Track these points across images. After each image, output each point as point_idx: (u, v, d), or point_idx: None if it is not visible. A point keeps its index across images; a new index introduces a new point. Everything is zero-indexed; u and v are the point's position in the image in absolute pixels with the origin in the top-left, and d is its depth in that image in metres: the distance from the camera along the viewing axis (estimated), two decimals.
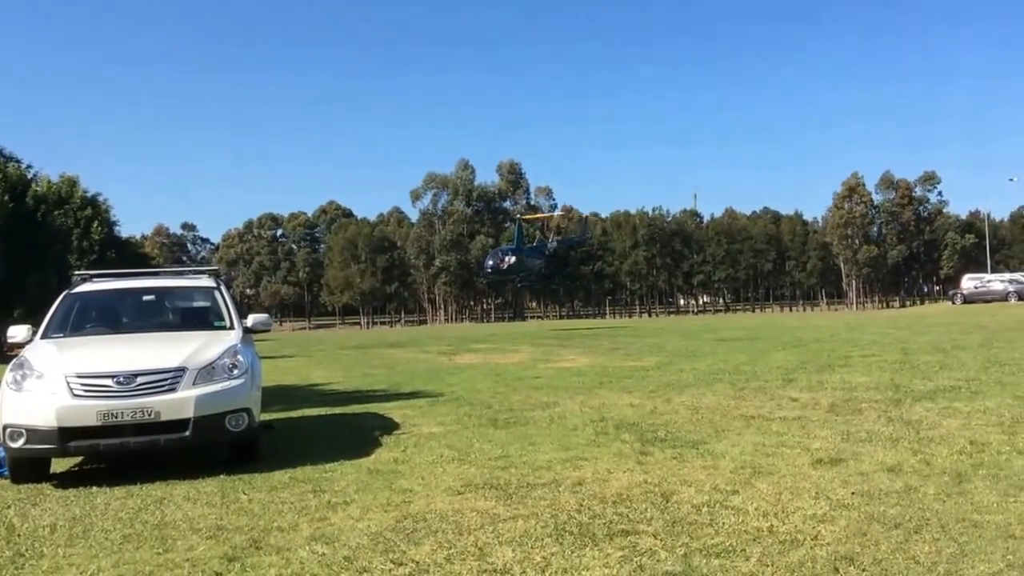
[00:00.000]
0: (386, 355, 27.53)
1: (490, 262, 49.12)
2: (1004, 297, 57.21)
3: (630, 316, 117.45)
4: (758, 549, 5.05)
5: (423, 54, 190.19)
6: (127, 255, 47.89)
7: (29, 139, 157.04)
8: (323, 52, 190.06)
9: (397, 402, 13.13)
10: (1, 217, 40.06)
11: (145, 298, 10.26)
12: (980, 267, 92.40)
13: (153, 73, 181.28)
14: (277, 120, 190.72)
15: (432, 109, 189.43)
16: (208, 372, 8.06)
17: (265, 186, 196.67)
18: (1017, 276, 65.78)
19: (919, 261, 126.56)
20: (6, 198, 41.38)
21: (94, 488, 7.41)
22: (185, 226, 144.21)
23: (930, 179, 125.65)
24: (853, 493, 6.14)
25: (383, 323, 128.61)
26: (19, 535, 6.07)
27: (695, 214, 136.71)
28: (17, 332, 9.23)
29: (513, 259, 48.01)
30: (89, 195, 48.86)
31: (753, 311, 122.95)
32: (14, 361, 8.23)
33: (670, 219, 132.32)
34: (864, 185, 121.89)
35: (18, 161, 46.75)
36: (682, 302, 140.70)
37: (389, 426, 10.52)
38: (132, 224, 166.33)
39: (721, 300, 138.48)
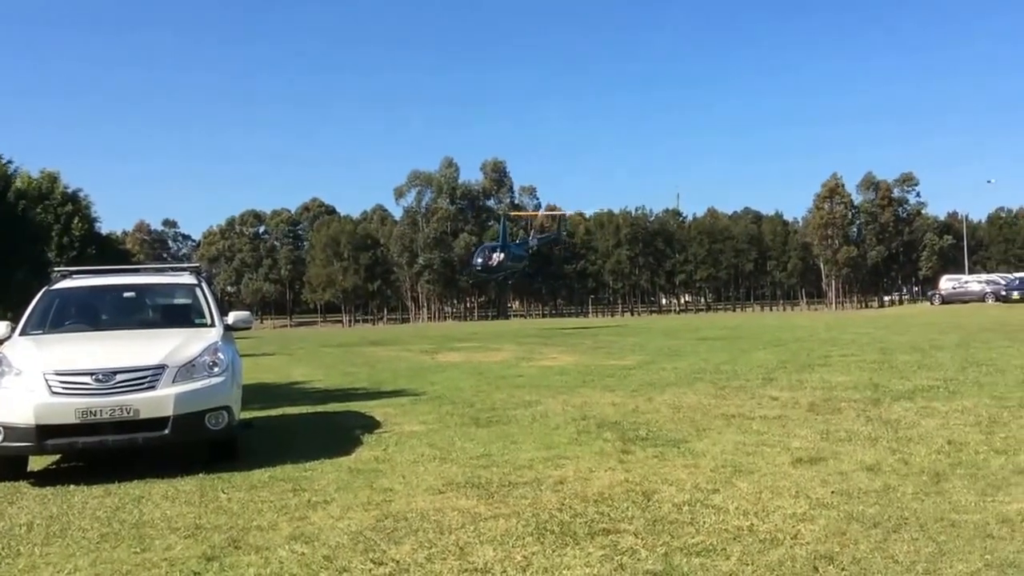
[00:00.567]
0: (368, 353, 27.46)
1: (479, 259, 48.76)
2: (981, 298, 57.71)
3: (613, 315, 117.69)
4: (738, 548, 5.06)
5: (409, 51, 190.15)
6: (107, 251, 47.73)
7: (8, 135, 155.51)
8: (307, 48, 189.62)
9: (378, 400, 13.09)
10: None
11: (125, 295, 10.18)
12: (958, 268, 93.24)
13: (134, 70, 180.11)
14: (260, 117, 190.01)
15: (417, 107, 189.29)
16: (188, 370, 8.01)
17: (248, 183, 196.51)
18: (994, 277, 66.42)
19: (898, 262, 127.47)
20: None
21: (72, 486, 7.35)
22: (166, 223, 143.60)
23: (908, 180, 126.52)
24: (832, 492, 6.16)
25: (365, 321, 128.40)
26: None
27: (677, 214, 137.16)
28: None
29: (502, 256, 47.87)
30: (70, 191, 48.61)
31: (734, 310, 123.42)
32: None
33: (653, 219, 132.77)
34: (844, 186, 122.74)
35: None
36: (664, 301, 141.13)
37: (370, 425, 10.49)
38: (113, 220, 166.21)
39: (703, 299, 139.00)
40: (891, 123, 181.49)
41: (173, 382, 7.84)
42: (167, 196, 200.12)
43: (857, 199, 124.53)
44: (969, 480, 6.38)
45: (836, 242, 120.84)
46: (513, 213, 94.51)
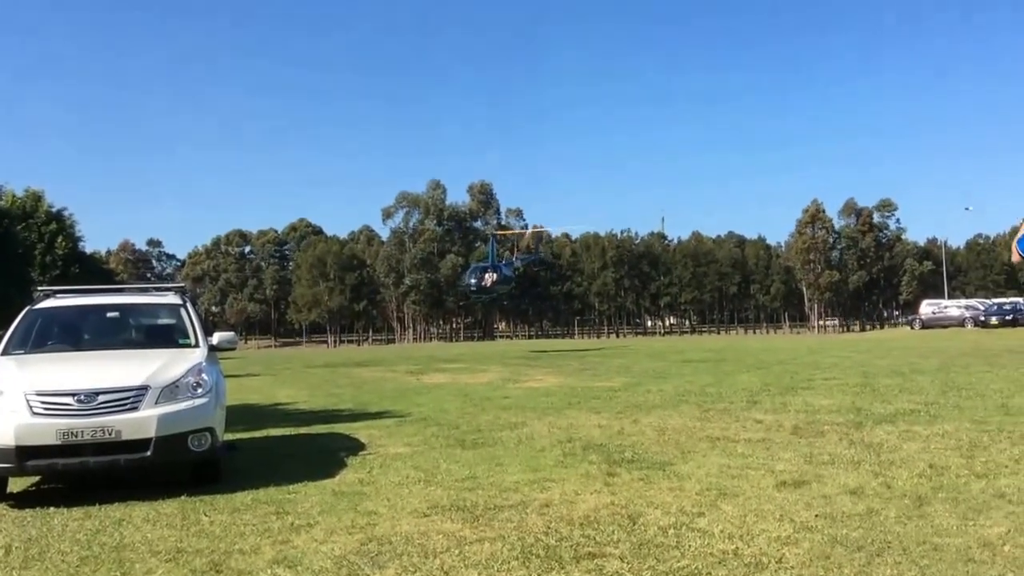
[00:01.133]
0: (353, 374, 27.39)
1: (472, 280, 48.10)
2: (961, 323, 58.22)
3: (598, 336, 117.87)
4: (724, 572, 5.07)
5: (395, 74, 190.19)
6: (91, 271, 47.49)
7: None
8: (294, 71, 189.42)
9: (363, 422, 13.05)
10: None
11: (109, 315, 10.12)
12: (937, 293, 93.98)
13: (119, 87, 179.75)
14: (247, 136, 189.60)
15: (404, 129, 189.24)
16: (171, 391, 7.97)
17: (234, 203, 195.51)
18: (973, 303, 67.05)
19: (879, 286, 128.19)
20: None
21: (51, 508, 7.29)
22: (151, 242, 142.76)
23: (887, 206, 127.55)
24: (816, 516, 6.18)
25: (350, 342, 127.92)
26: None
27: (663, 237, 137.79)
28: None
29: (495, 276, 47.70)
30: (54, 210, 48.44)
31: (718, 333, 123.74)
32: None
33: (638, 241, 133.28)
34: (825, 212, 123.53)
35: None
36: (649, 323, 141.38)
37: (355, 447, 10.45)
38: (97, 239, 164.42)
39: (687, 322, 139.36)
40: (872, 149, 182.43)
41: (156, 403, 7.80)
42: (152, 215, 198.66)
43: (838, 224, 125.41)
44: (951, 504, 6.40)
45: (818, 266, 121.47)
46: (501, 232, 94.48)
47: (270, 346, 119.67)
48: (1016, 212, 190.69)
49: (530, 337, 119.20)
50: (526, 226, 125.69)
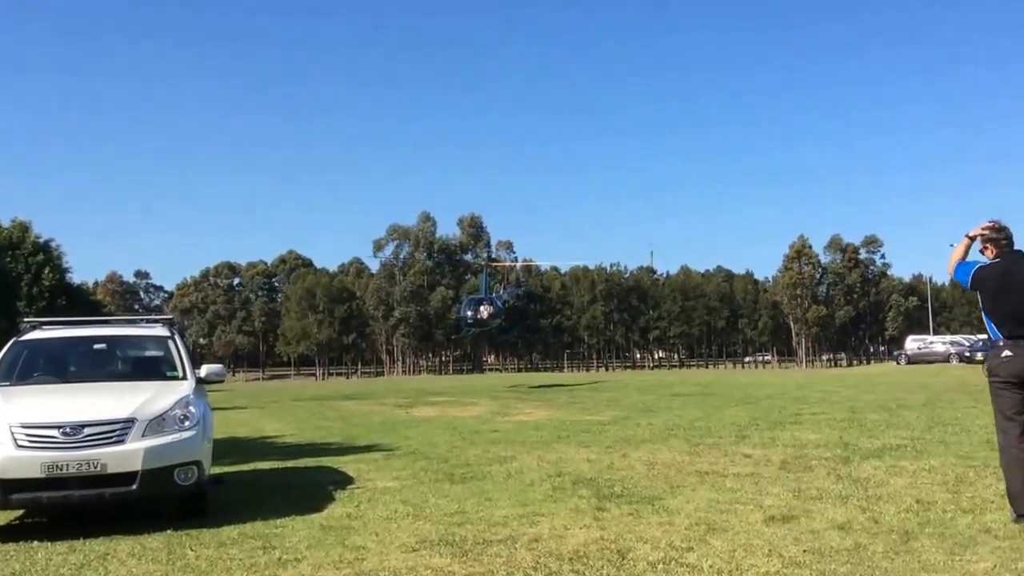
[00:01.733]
0: (341, 407, 27.31)
1: (469, 312, 47.65)
2: (946, 358, 58.45)
3: (587, 370, 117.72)
4: None
5: (385, 104, 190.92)
6: (78, 302, 47.28)
7: None
8: (284, 102, 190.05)
9: (351, 456, 13.00)
10: None
11: (96, 347, 10.08)
12: (923, 329, 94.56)
13: (106, 116, 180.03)
14: (236, 168, 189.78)
15: (394, 161, 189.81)
16: (158, 424, 7.92)
17: (222, 235, 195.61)
18: (958, 338, 67.39)
19: (865, 321, 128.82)
20: None
21: (35, 543, 7.21)
22: (139, 274, 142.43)
23: (873, 242, 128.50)
24: (805, 551, 6.17)
25: (339, 374, 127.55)
26: None
27: (651, 271, 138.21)
28: None
29: (492, 309, 47.47)
30: (41, 241, 48.33)
31: (706, 367, 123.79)
32: None
33: (627, 275, 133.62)
34: (811, 247, 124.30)
35: None
36: (638, 356, 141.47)
37: (343, 480, 10.40)
38: (84, 271, 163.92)
39: (676, 355, 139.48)
40: (859, 186, 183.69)
41: (142, 436, 7.75)
42: (139, 247, 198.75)
43: (824, 260, 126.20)
44: (937, 539, 6.41)
45: (805, 301, 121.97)
46: (494, 263, 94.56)
47: (258, 379, 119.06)
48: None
49: (519, 370, 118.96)
50: (516, 259, 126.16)
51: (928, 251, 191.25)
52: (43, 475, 7.39)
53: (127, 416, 7.79)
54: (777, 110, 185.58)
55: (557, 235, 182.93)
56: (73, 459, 7.44)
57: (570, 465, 11.06)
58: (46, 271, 46.27)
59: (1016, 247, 7.19)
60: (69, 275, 51.61)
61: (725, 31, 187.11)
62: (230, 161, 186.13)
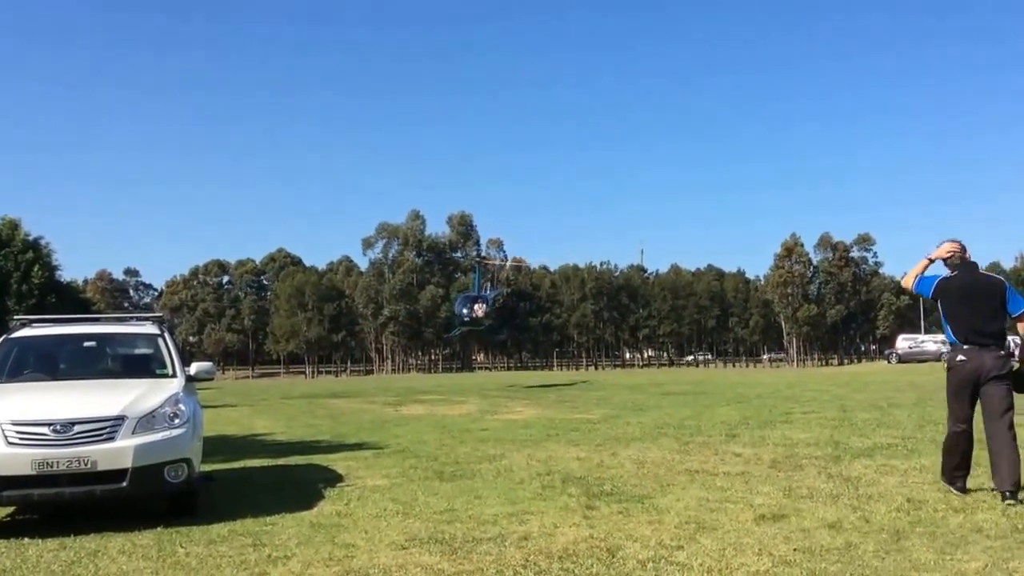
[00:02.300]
0: (331, 405, 27.27)
1: (464, 310, 47.40)
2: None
3: (577, 368, 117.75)
4: None
5: (376, 103, 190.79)
6: (68, 300, 47.09)
7: None
8: (273, 98, 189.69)
9: (341, 454, 12.98)
10: None
11: (86, 344, 10.06)
12: (914, 328, 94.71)
13: (97, 118, 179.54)
14: (225, 166, 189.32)
15: (383, 159, 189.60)
16: (148, 421, 7.90)
17: (212, 232, 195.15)
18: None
19: (856, 320, 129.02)
20: None
21: (26, 539, 7.18)
22: (128, 271, 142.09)
23: (865, 241, 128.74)
24: (795, 549, 6.18)
25: (328, 372, 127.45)
26: None
27: (642, 269, 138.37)
28: None
29: (486, 306, 47.30)
30: (31, 239, 48.13)
31: (697, 366, 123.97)
32: None
33: (618, 273, 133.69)
34: (802, 245, 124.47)
35: None
36: (628, 355, 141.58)
37: (332, 478, 10.39)
38: (74, 269, 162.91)
39: (665, 354, 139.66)
40: (852, 184, 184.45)
41: (132, 433, 7.73)
42: (129, 245, 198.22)
43: (816, 259, 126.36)
44: (928, 538, 6.42)
45: (796, 300, 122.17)
46: (485, 260, 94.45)
47: (248, 376, 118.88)
48: (991, 247, 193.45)
49: (509, 369, 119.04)
50: (506, 257, 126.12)
51: (921, 250, 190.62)
52: (34, 472, 7.38)
53: (117, 414, 7.77)
54: (770, 109, 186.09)
55: (547, 233, 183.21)
56: (64, 456, 7.43)
57: (560, 463, 11.07)
58: (35, 269, 46.06)
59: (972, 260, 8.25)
60: (59, 273, 51.43)
61: (718, 32, 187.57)
62: (220, 160, 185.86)
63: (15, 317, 10.79)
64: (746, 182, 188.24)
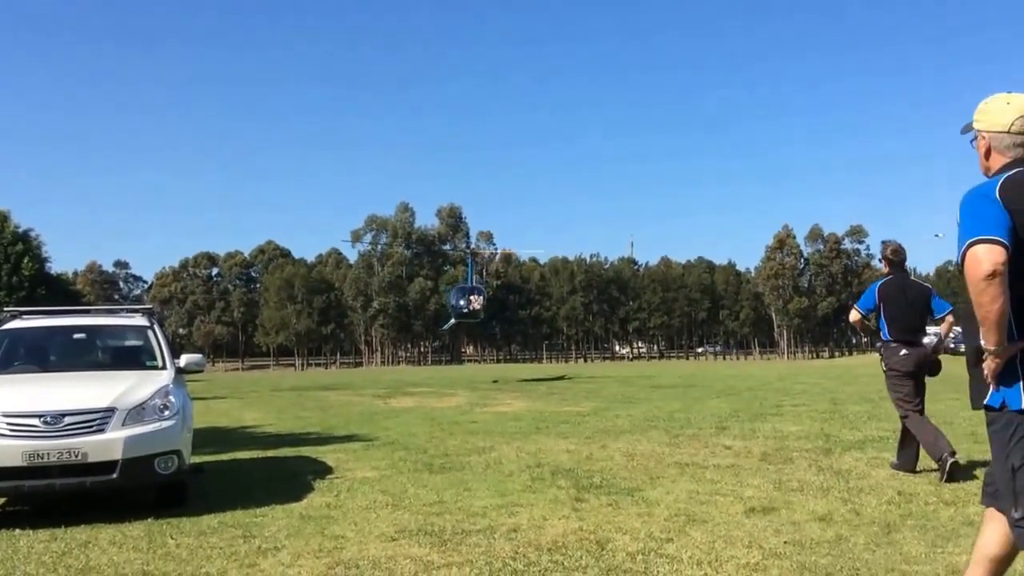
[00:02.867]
0: (320, 398, 27.24)
1: (461, 302, 46.44)
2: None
3: (566, 361, 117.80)
4: None
5: (364, 95, 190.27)
6: (57, 292, 47.01)
7: None
8: (263, 91, 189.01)
9: (331, 446, 12.96)
10: None
11: (76, 336, 10.05)
12: None
13: (86, 110, 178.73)
14: (214, 158, 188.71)
15: (373, 151, 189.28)
16: (138, 413, 7.89)
17: (201, 225, 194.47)
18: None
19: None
20: None
21: (17, 531, 7.17)
22: (118, 264, 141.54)
23: (858, 232, 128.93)
24: (785, 542, 6.19)
25: (318, 365, 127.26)
26: None
27: (632, 261, 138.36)
28: None
29: (483, 299, 46.56)
30: (20, 231, 47.95)
31: (687, 359, 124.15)
32: None
33: (607, 266, 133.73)
34: (794, 237, 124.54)
35: None
36: (618, 348, 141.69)
37: (322, 470, 10.37)
38: (64, 261, 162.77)
39: (656, 347, 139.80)
40: (844, 176, 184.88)
41: (122, 425, 7.72)
42: (119, 237, 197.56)
43: (807, 251, 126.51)
44: (919, 531, 6.45)
45: (787, 292, 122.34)
46: (476, 251, 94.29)
47: (237, 369, 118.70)
48: None
49: (498, 361, 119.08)
50: (496, 249, 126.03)
51: (914, 241, 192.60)
52: (25, 463, 7.37)
53: (107, 405, 7.76)
54: (760, 101, 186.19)
55: (537, 226, 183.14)
56: (54, 448, 7.42)
57: (549, 456, 11.07)
58: (25, 261, 45.96)
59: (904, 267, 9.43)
60: (49, 265, 51.40)
61: (707, 23, 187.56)
62: (208, 152, 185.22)
63: (5, 309, 10.77)
64: (738, 173, 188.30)
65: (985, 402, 3.76)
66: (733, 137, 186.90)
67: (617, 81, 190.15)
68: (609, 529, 6.76)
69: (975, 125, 3.84)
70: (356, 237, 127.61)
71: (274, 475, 10.23)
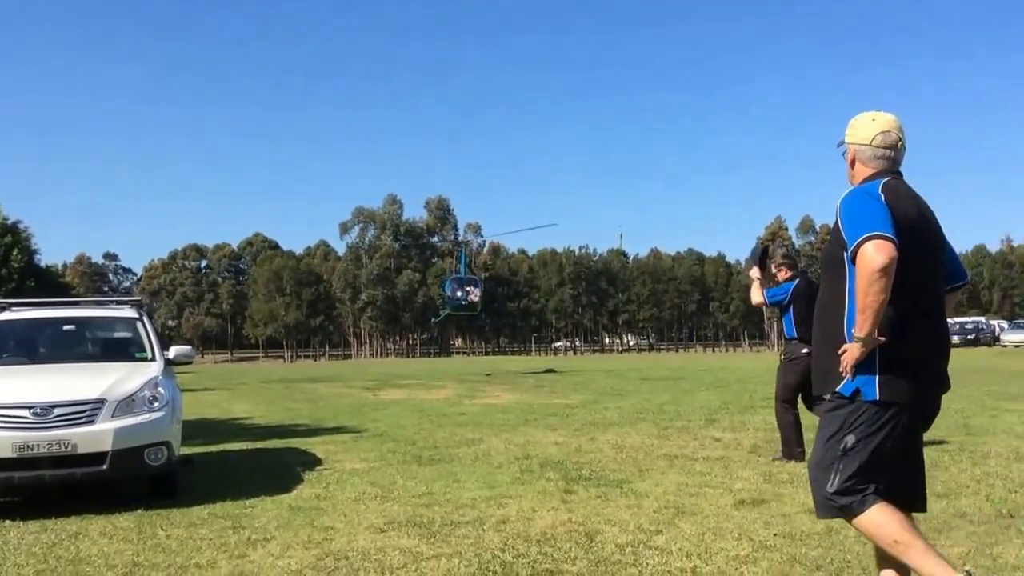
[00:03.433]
0: (309, 390, 27.23)
1: (458, 294, 45.52)
2: None
3: (555, 354, 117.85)
4: None
5: (352, 87, 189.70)
6: (47, 284, 46.81)
7: None
8: (252, 83, 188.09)
9: (320, 437, 12.97)
10: None
11: (65, 328, 10.03)
12: None
13: (77, 102, 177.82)
14: (202, 150, 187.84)
15: (360, 143, 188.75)
16: (128, 404, 7.89)
17: (190, 217, 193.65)
18: None
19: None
20: None
21: (7, 522, 7.17)
22: (107, 255, 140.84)
23: None
24: (775, 534, 6.22)
25: (307, 357, 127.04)
26: None
27: (621, 253, 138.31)
28: None
29: (479, 291, 46.13)
30: (9, 222, 47.74)
31: (677, 351, 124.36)
32: None
33: (596, 258, 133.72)
34: (787, 228, 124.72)
35: None
36: (607, 340, 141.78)
37: (311, 462, 10.38)
38: (53, 253, 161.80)
39: (646, 339, 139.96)
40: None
41: (112, 417, 7.72)
42: (108, 229, 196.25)
43: (799, 242, 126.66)
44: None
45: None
46: (466, 242, 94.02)
47: (227, 360, 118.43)
48: (979, 229, 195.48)
49: (487, 354, 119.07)
50: (484, 241, 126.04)
51: None
52: (15, 455, 7.37)
53: (97, 397, 7.76)
54: (750, 90, 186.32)
55: (525, 218, 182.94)
56: (44, 439, 7.41)
57: (538, 448, 11.10)
58: (14, 253, 45.78)
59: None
60: (38, 257, 51.21)
61: (693, 12, 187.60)
62: (196, 144, 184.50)
63: None
64: (727, 164, 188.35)
65: (837, 389, 3.94)
66: (723, 127, 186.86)
67: (605, 70, 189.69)
68: (598, 521, 6.78)
69: (845, 139, 4.24)
70: (344, 229, 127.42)
71: (263, 466, 10.23)
